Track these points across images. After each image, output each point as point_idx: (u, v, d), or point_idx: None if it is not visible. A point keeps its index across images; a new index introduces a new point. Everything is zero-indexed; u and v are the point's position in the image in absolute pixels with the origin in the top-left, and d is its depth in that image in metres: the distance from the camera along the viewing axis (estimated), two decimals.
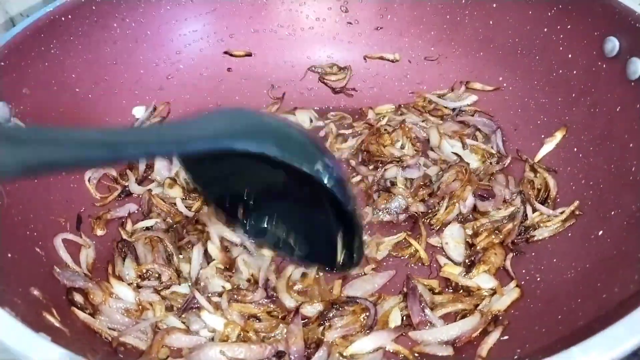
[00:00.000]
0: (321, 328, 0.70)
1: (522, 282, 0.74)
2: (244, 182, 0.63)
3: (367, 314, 0.71)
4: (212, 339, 0.69)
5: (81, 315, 0.67)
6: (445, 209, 0.83)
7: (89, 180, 0.87)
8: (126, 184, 0.90)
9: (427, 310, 0.71)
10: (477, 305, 0.72)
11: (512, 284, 0.74)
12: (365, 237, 0.77)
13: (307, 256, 0.66)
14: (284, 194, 0.63)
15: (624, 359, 0.47)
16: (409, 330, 0.70)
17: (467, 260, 0.78)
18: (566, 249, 0.75)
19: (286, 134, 0.55)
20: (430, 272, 0.79)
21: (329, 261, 0.64)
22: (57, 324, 0.60)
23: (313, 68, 1.10)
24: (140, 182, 0.91)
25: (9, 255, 0.65)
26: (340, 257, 0.63)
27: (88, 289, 0.71)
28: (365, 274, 0.77)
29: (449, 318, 0.72)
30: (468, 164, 0.89)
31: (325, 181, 0.54)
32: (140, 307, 0.72)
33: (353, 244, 0.61)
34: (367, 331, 0.70)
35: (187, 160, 0.62)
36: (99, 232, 0.83)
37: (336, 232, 0.62)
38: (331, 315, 0.70)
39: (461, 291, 0.75)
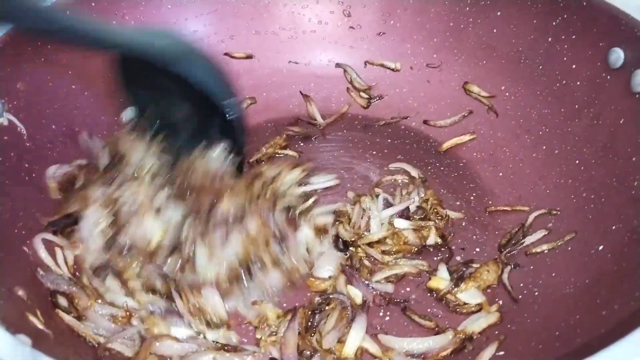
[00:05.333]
0: (314, 337, 0.68)
1: (520, 297, 0.73)
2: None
3: (345, 309, 0.70)
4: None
5: (66, 318, 0.65)
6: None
7: (53, 176, 0.80)
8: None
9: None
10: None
11: (494, 307, 0.72)
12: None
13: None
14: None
15: None
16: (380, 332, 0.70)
17: (455, 274, 0.75)
18: (565, 263, 0.73)
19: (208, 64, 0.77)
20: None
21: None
22: (40, 326, 0.59)
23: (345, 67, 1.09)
24: None
25: None
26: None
27: (73, 293, 0.68)
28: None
29: (422, 332, 0.71)
30: None
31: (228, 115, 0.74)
32: (127, 313, 0.69)
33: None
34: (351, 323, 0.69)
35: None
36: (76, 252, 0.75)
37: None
38: (316, 321, 0.69)
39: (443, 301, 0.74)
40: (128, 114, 0.95)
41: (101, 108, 0.93)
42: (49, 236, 0.73)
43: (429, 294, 0.75)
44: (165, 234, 0.73)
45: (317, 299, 0.72)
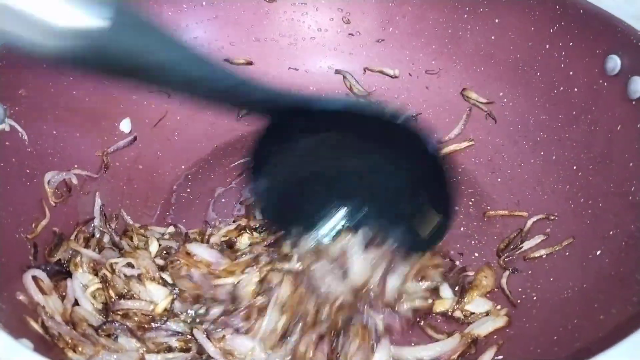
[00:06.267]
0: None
1: (518, 301, 0.73)
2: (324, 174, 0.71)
3: (367, 328, 0.67)
4: None
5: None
6: None
7: (48, 183, 0.79)
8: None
9: None
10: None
11: (503, 311, 0.72)
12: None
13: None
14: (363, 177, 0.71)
15: None
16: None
17: (457, 288, 0.75)
18: (563, 268, 0.74)
19: None
20: None
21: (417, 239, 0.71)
22: (41, 332, 0.59)
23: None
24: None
25: None
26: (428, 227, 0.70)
27: (75, 340, 0.61)
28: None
29: (425, 339, 0.70)
30: None
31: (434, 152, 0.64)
32: None
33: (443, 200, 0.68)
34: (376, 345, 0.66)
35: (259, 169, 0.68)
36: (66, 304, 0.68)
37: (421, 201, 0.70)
38: (340, 344, 0.66)
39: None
40: (125, 123, 0.96)
41: (102, 115, 0.93)
42: (40, 274, 0.67)
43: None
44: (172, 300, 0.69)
45: (340, 320, 0.68)
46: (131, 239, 0.77)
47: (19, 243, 0.70)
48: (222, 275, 0.70)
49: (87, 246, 0.75)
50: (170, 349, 0.66)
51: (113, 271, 0.69)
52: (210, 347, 0.64)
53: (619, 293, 0.62)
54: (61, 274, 0.70)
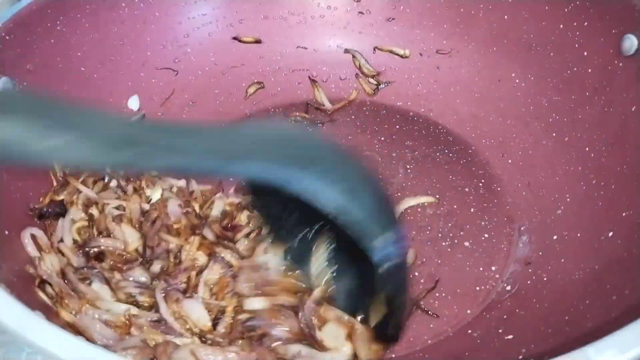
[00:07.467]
0: None
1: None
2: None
3: None
4: None
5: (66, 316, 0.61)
6: None
7: None
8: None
9: None
10: None
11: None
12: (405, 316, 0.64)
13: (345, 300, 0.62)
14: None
15: None
16: None
17: None
18: (575, 249, 0.73)
19: (357, 184, 0.49)
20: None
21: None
22: (50, 303, 0.59)
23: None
24: None
25: (6, 232, 0.64)
26: (372, 321, 0.58)
27: (62, 290, 0.62)
28: None
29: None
30: None
31: (377, 264, 0.49)
32: (128, 321, 0.61)
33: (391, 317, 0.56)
34: None
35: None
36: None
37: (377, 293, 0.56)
38: None
39: None
40: (134, 100, 0.96)
41: (109, 91, 0.93)
42: (37, 232, 0.68)
43: None
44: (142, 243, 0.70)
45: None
46: (140, 183, 0.77)
47: (26, 217, 0.71)
48: (170, 232, 0.71)
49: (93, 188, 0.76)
50: (137, 305, 0.64)
51: (102, 210, 0.72)
52: (163, 307, 0.62)
53: (632, 274, 0.61)
54: (60, 216, 0.73)
